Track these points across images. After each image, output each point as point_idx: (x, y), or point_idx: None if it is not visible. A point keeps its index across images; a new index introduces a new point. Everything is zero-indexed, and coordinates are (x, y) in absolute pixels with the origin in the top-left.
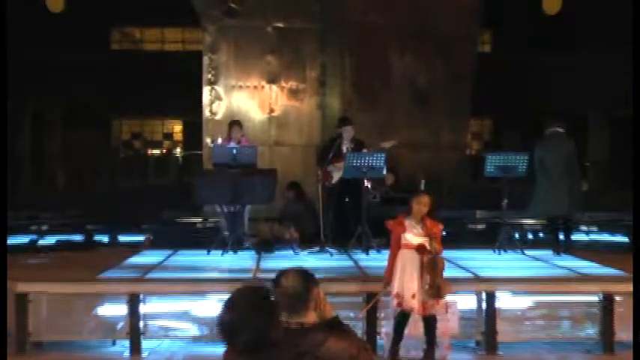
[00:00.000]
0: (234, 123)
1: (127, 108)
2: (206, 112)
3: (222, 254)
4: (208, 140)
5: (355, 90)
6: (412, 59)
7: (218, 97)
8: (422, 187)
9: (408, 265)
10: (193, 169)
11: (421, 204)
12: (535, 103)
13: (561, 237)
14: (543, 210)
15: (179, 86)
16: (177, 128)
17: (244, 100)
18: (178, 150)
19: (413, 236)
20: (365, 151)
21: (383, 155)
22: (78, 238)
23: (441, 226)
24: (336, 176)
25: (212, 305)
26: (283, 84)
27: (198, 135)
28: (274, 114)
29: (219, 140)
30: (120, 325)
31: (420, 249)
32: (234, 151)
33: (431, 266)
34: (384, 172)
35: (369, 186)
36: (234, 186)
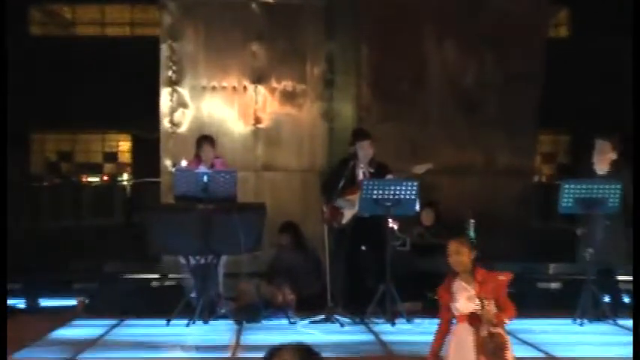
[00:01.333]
0: (205, 139)
1: (53, 117)
2: (165, 124)
3: (187, 325)
4: (168, 163)
5: (375, 92)
6: (455, 50)
7: (182, 103)
8: (470, 228)
9: (465, 344)
10: (147, 203)
11: (460, 254)
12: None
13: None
14: (599, 258)
15: (126, 87)
16: (124, 146)
17: (219, 106)
18: (125, 177)
19: (465, 302)
20: (389, 177)
21: (415, 184)
22: None
23: (502, 278)
24: (349, 214)
25: None
26: (274, 84)
27: (153, 156)
28: (262, 126)
29: (184, 163)
30: None
31: (472, 320)
32: (205, 179)
33: (486, 348)
34: (417, 207)
35: (396, 227)
36: (204, 228)
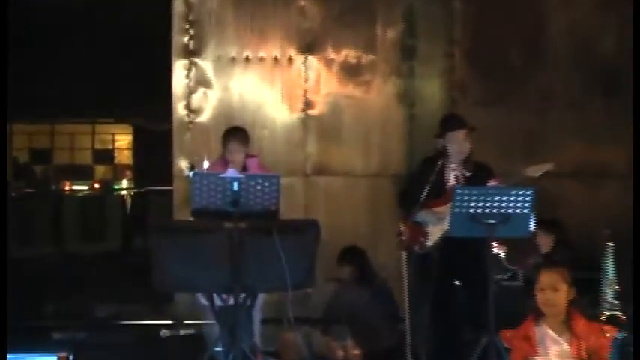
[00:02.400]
0: (234, 132)
1: (23, 102)
2: (179, 110)
3: None
4: (183, 165)
5: (473, 65)
6: (585, 7)
7: (203, 81)
8: (607, 256)
9: None
10: (153, 221)
11: (557, 291)
12: None
13: None
14: None
15: (125, 59)
16: (123, 141)
17: (255, 85)
18: (124, 184)
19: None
20: (493, 183)
21: (529, 193)
22: None
23: (608, 335)
24: (436, 234)
25: None
26: (331, 54)
27: (162, 155)
28: (314, 112)
29: (206, 165)
30: None
31: None
32: (235, 187)
33: None
34: (532, 226)
35: (502, 254)
36: (234, 255)
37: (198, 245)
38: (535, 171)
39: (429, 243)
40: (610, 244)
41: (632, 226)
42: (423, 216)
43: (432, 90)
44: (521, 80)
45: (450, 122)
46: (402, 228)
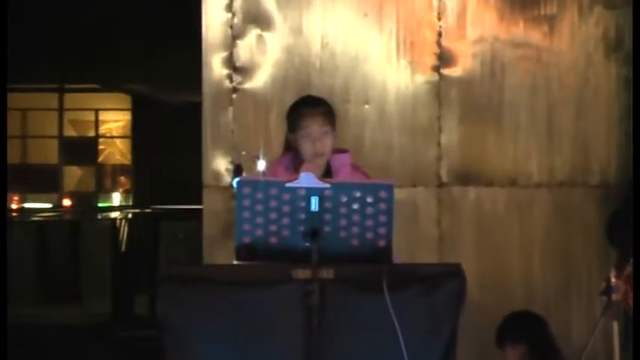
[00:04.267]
0: (312, 107)
1: None
2: (214, 70)
3: None
4: (222, 167)
5: None
6: None
7: (257, 17)
8: None
9: None
10: (167, 267)
11: None
12: None
13: None
14: None
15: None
16: (114, 122)
17: (348, 26)
18: (117, 199)
19: None
20: None
21: None
22: None
23: None
24: None
25: None
26: None
27: (184, 147)
28: (454, 74)
29: (262, 166)
30: None
31: None
32: (314, 204)
33: None
34: None
35: None
36: (311, 329)
37: (246, 311)
38: None
39: None
40: None
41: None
42: None
43: None
44: None
45: None
46: (613, 280)
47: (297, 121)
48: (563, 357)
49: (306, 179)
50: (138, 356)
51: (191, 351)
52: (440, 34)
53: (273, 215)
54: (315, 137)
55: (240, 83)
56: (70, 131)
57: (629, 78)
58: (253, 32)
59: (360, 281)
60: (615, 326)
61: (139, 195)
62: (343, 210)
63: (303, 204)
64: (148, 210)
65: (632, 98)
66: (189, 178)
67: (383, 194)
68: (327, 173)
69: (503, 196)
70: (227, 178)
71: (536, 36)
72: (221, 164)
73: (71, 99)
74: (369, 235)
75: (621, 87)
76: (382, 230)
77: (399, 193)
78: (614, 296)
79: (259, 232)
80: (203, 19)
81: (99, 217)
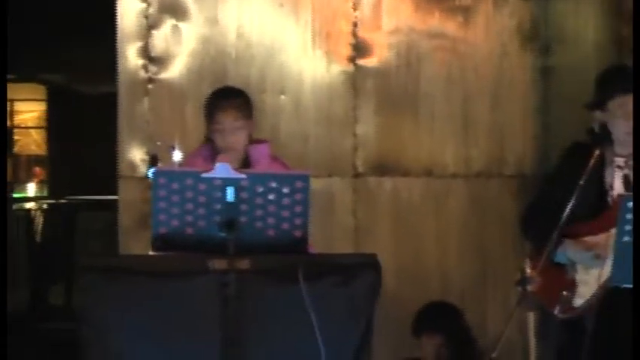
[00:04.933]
0: (227, 98)
1: None
2: (130, 60)
3: None
4: (137, 157)
5: None
6: None
7: (172, 7)
8: None
9: None
10: (83, 257)
11: None
12: None
13: None
14: None
15: None
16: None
17: (265, 16)
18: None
19: None
20: None
21: None
22: None
23: None
24: (589, 284)
25: None
26: None
27: (100, 137)
28: (369, 64)
29: (177, 156)
30: None
31: None
32: (230, 195)
33: None
34: None
35: None
36: (227, 321)
37: (164, 302)
38: None
39: (579, 301)
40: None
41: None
42: (567, 251)
43: (583, 23)
44: None
45: (616, 81)
46: (529, 271)
47: (210, 114)
48: (479, 347)
49: (222, 170)
50: (55, 348)
51: (109, 342)
52: (355, 25)
53: (189, 206)
54: (227, 132)
55: (155, 73)
56: None
57: (544, 68)
58: (169, 22)
59: (276, 272)
60: (530, 317)
61: (54, 186)
62: (259, 200)
63: (219, 194)
64: (63, 201)
65: (632, 98)
66: (105, 168)
67: (299, 185)
68: (246, 164)
69: (419, 186)
70: (143, 169)
71: (451, 27)
72: (137, 155)
73: None
74: (286, 225)
75: (537, 78)
76: (298, 221)
77: (315, 184)
78: (529, 287)
79: (175, 223)
80: (118, 9)
81: (14, 207)
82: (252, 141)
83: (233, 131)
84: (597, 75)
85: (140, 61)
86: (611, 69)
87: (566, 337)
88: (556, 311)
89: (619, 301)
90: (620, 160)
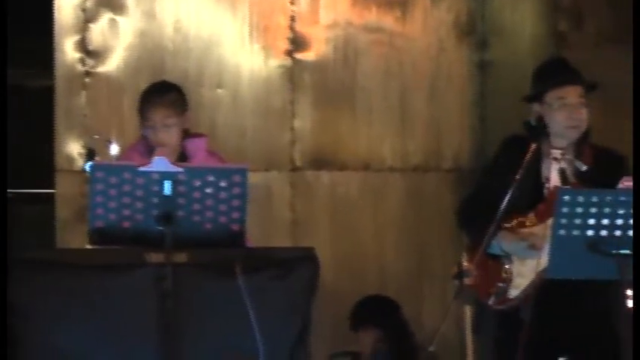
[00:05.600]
0: (161, 93)
1: None
2: (67, 53)
3: None
4: (75, 151)
5: None
6: None
7: (109, 1)
8: None
9: None
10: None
11: None
12: None
13: None
14: None
15: None
16: None
17: (202, 11)
18: None
19: None
20: (628, 183)
21: None
22: None
23: None
24: (525, 275)
25: None
26: None
27: (36, 131)
28: (307, 58)
29: (115, 150)
30: None
31: None
32: (167, 189)
33: None
34: None
35: None
36: (165, 315)
37: (101, 295)
38: None
39: (515, 292)
40: None
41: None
42: (502, 243)
43: (520, 17)
44: None
45: (553, 74)
46: (466, 264)
47: (143, 111)
48: (416, 340)
49: (160, 164)
50: None
51: (44, 336)
52: (293, 19)
53: (126, 199)
54: (158, 129)
55: (93, 67)
56: None
57: (481, 62)
58: (106, 16)
59: (213, 265)
60: (467, 310)
61: None
62: (197, 194)
63: (156, 188)
64: None
65: (633, 98)
66: (43, 161)
67: (237, 178)
68: (183, 158)
69: (357, 180)
70: (80, 162)
71: (389, 21)
72: (74, 148)
73: None
74: (223, 219)
75: (474, 72)
76: (236, 214)
77: (252, 178)
78: (466, 280)
79: (112, 217)
80: (55, 2)
81: None
82: (189, 135)
83: (164, 128)
84: (535, 68)
85: (77, 55)
86: (548, 62)
87: (503, 329)
88: (491, 302)
89: (555, 291)
90: (556, 153)
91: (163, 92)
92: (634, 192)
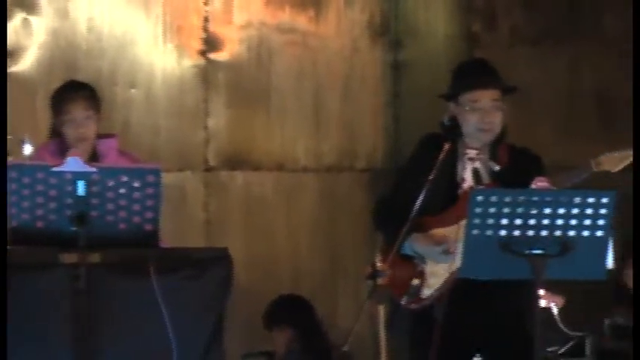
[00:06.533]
0: (74, 92)
1: None
2: None
3: None
4: None
5: None
6: None
7: (19, 1)
8: None
9: None
10: None
11: None
12: None
13: None
14: None
15: None
16: None
17: (115, 10)
18: None
19: None
20: (541, 184)
21: (606, 201)
22: None
23: None
24: (438, 274)
25: None
26: None
27: None
28: (220, 59)
29: (28, 149)
30: None
31: None
32: (81, 189)
33: None
34: (611, 260)
35: (556, 310)
36: (79, 315)
37: (14, 295)
38: (614, 162)
39: (428, 292)
40: None
41: None
42: (416, 246)
43: (433, 17)
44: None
45: (469, 75)
46: (379, 264)
47: (60, 105)
48: (330, 340)
49: (73, 164)
50: None
51: None
52: (207, 19)
53: (39, 199)
54: (78, 122)
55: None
56: None
57: (395, 63)
58: (18, 15)
59: (127, 265)
60: (381, 310)
61: None
62: (110, 194)
63: (70, 188)
64: None
65: (632, 98)
66: None
67: (150, 178)
68: (95, 158)
69: (271, 180)
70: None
71: (302, 21)
72: None
73: None
74: (137, 219)
75: (388, 72)
76: (149, 214)
77: (166, 177)
78: (379, 280)
79: (25, 216)
80: None
81: None
82: (99, 136)
83: (84, 121)
84: (455, 67)
85: None
86: (466, 63)
87: (417, 328)
88: (403, 301)
89: (468, 291)
90: (472, 153)
91: (79, 88)
92: (634, 192)
